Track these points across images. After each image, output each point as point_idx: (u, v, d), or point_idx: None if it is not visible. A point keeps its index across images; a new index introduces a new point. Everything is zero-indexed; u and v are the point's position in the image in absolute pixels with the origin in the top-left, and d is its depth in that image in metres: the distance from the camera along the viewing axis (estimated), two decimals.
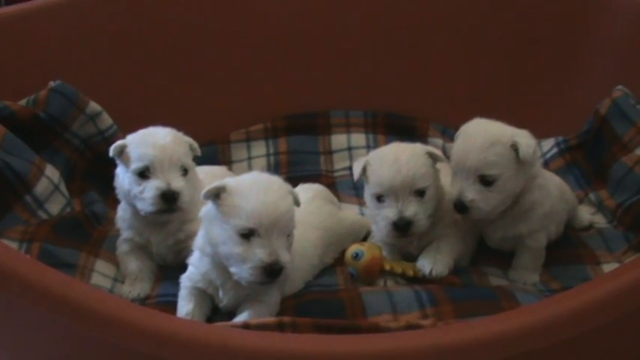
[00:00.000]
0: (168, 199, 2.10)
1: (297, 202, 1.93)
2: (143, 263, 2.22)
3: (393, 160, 2.07)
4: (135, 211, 2.20)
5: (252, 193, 1.83)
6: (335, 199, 2.45)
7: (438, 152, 2.16)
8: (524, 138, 2.06)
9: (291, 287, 2.05)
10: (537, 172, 2.15)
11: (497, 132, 2.06)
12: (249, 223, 1.81)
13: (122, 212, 2.27)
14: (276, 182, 1.90)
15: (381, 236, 2.19)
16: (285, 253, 1.83)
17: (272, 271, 1.80)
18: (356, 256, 2.11)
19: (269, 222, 1.81)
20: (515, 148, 2.04)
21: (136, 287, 2.16)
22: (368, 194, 2.14)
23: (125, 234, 2.26)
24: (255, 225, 1.80)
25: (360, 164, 2.14)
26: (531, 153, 2.05)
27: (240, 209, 1.82)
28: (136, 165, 2.12)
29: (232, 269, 1.85)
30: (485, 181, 2.04)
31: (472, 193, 2.04)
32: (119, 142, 2.16)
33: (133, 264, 2.21)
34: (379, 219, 2.10)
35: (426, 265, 2.11)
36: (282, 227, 1.83)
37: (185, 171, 2.15)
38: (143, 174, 2.11)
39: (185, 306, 1.95)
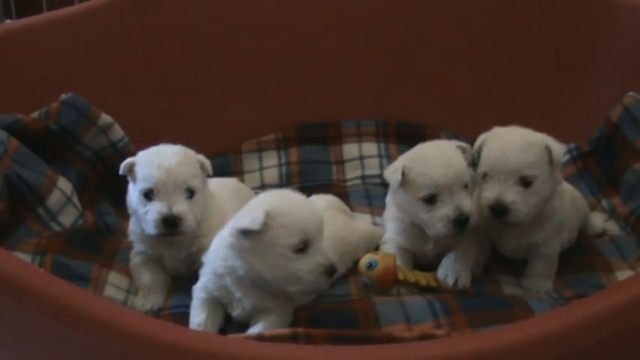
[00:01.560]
0: (169, 224, 2.09)
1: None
2: (156, 275, 2.22)
3: (440, 157, 2.07)
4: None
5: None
6: (348, 210, 2.45)
7: (465, 144, 2.17)
8: (554, 142, 2.09)
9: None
10: (560, 178, 2.16)
11: (531, 135, 2.10)
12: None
13: (133, 226, 2.27)
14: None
15: (435, 234, 2.14)
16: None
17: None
18: (370, 266, 2.10)
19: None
20: (548, 150, 2.06)
21: (149, 300, 2.16)
22: (413, 199, 2.11)
23: (137, 247, 2.26)
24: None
25: (398, 170, 2.11)
26: (562, 156, 2.09)
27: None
28: (141, 185, 2.12)
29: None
30: (525, 182, 2.04)
31: (513, 195, 2.04)
32: (129, 160, 2.16)
33: (145, 276, 2.21)
34: (435, 220, 2.07)
35: (450, 276, 2.11)
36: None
37: (191, 193, 2.14)
38: (148, 195, 2.11)
39: (197, 316, 1.95)
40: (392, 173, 2.14)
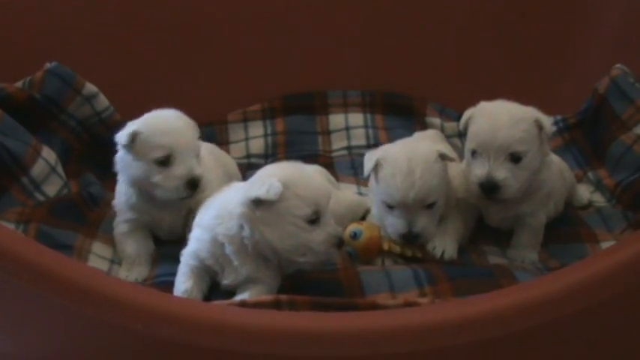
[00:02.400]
0: (193, 186, 2.08)
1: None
2: (140, 246, 2.20)
3: (406, 173, 2.02)
4: (146, 196, 2.17)
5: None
6: (333, 180, 2.44)
7: (448, 149, 2.13)
8: (543, 115, 2.08)
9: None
10: (548, 150, 2.15)
11: (520, 110, 2.08)
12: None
13: (126, 197, 2.22)
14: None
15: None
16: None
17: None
18: (354, 236, 2.10)
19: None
20: (538, 124, 2.05)
21: (133, 271, 2.14)
22: (378, 198, 2.12)
23: (125, 215, 2.22)
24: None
25: (371, 161, 2.10)
26: (551, 129, 2.08)
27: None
28: (156, 154, 2.08)
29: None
30: (515, 158, 2.03)
31: (504, 172, 2.03)
32: (133, 130, 2.09)
33: (130, 247, 2.19)
34: (388, 224, 2.09)
35: (438, 248, 2.11)
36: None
37: (197, 154, 2.14)
38: (164, 162, 2.08)
39: (184, 283, 1.94)
40: (366, 161, 2.14)
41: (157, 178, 2.08)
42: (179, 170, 2.07)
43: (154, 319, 1.42)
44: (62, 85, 2.50)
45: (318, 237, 1.83)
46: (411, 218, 2.05)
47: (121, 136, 2.10)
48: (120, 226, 2.23)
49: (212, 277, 1.98)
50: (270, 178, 1.82)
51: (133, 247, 2.19)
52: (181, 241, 2.09)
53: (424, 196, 2.03)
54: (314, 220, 1.82)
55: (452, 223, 2.16)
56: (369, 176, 2.14)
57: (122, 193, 2.24)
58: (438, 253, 2.10)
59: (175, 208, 2.20)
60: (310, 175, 1.87)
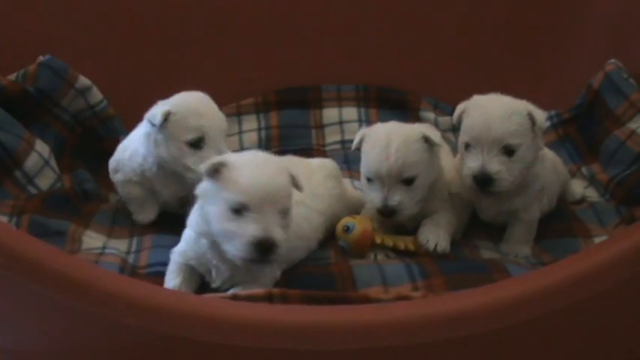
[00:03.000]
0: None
1: (296, 185, 1.87)
2: (144, 189, 2.23)
3: (384, 145, 2.05)
4: (163, 173, 2.18)
5: (248, 167, 1.80)
6: (340, 175, 2.42)
7: (436, 135, 2.11)
8: (536, 109, 2.08)
9: (287, 264, 2.02)
10: (542, 144, 2.15)
11: (512, 103, 2.08)
12: (241, 198, 1.77)
13: (138, 164, 2.21)
14: (273, 160, 1.87)
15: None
16: (278, 230, 1.77)
17: (264, 248, 1.76)
18: (347, 230, 2.09)
19: (261, 196, 1.77)
20: (531, 117, 2.05)
21: (146, 212, 2.21)
22: (361, 171, 2.14)
23: (127, 176, 2.25)
24: (246, 199, 1.77)
25: (358, 136, 2.14)
26: (544, 122, 2.08)
27: (233, 183, 1.78)
28: (189, 136, 2.08)
29: (225, 247, 1.80)
30: (509, 150, 2.03)
31: (497, 165, 2.02)
32: (166, 109, 2.07)
33: (135, 190, 2.22)
34: (368, 199, 2.11)
35: (431, 241, 2.10)
36: (275, 203, 1.79)
37: None
38: (195, 144, 2.08)
39: (172, 280, 1.92)
40: (356, 137, 2.17)
41: (189, 160, 2.09)
42: (211, 153, 2.05)
43: (146, 311, 1.41)
44: (56, 79, 2.50)
45: (237, 230, 1.78)
46: (387, 193, 2.05)
47: (154, 116, 2.09)
48: (119, 177, 2.27)
49: (201, 278, 1.96)
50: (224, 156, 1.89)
51: (139, 190, 2.22)
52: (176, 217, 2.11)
53: (399, 169, 2.03)
54: (238, 210, 1.78)
55: (444, 216, 2.16)
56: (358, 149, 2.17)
57: (134, 160, 2.23)
58: (430, 246, 2.09)
59: (179, 184, 2.20)
60: (258, 165, 1.83)
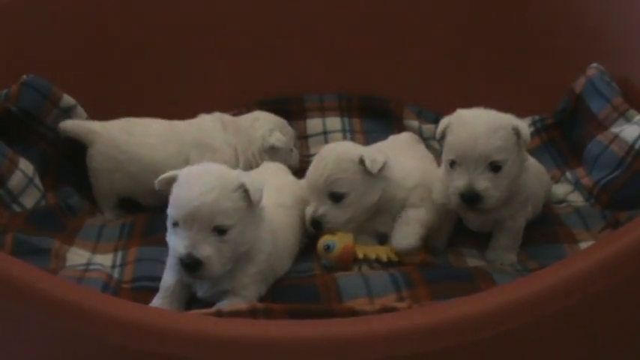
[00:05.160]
0: None
1: (252, 198, 1.84)
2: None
3: (319, 159, 2.14)
4: None
5: (184, 183, 1.82)
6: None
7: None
8: (520, 122, 2.07)
9: (274, 276, 2.03)
10: (526, 155, 2.15)
11: (497, 117, 2.06)
12: (173, 213, 1.81)
13: None
14: (215, 176, 1.83)
15: None
16: (206, 248, 1.77)
17: (187, 265, 1.77)
18: (327, 248, 2.08)
19: (187, 214, 1.78)
20: (516, 131, 2.04)
21: None
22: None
23: None
24: (176, 216, 1.80)
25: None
26: (529, 136, 2.07)
27: (171, 199, 1.82)
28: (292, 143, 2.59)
29: None
30: (495, 167, 2.01)
31: (485, 182, 2.01)
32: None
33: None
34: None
35: (398, 239, 2.11)
36: (205, 221, 1.77)
37: None
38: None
39: (158, 296, 1.93)
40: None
41: (292, 160, 2.65)
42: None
43: (128, 330, 1.41)
44: (39, 98, 2.48)
45: (171, 244, 1.82)
46: (317, 207, 2.11)
47: (279, 140, 2.58)
48: None
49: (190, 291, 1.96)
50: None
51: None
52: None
53: (323, 183, 2.08)
54: (174, 225, 1.81)
55: (413, 212, 2.16)
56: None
57: None
58: (401, 245, 2.10)
59: None
60: (193, 181, 1.82)
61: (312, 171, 2.13)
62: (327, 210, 2.10)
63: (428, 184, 2.21)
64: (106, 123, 2.48)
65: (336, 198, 2.09)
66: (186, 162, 2.40)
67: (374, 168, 2.08)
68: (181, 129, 2.52)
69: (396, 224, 2.15)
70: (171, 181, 1.85)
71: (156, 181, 1.89)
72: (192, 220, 1.77)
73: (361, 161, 2.09)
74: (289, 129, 2.70)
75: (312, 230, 2.14)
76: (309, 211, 2.12)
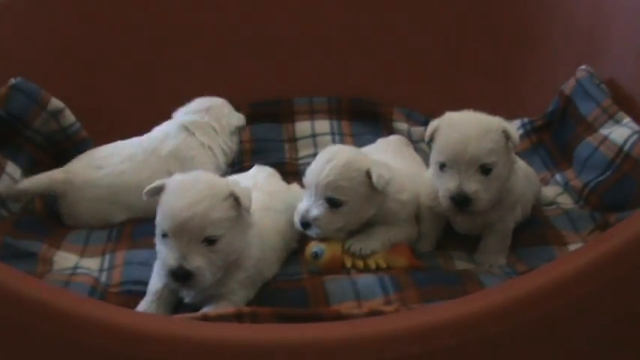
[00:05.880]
0: None
1: (243, 206, 1.84)
2: None
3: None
4: None
5: (173, 194, 1.80)
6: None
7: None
8: (509, 125, 2.07)
9: (262, 280, 2.01)
10: (515, 158, 2.15)
11: (487, 120, 2.05)
12: (162, 225, 1.79)
13: None
14: (205, 185, 1.81)
15: None
16: (196, 259, 1.76)
17: (177, 277, 1.76)
18: (316, 255, 2.06)
19: (176, 226, 1.76)
20: (506, 134, 2.04)
21: None
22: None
23: None
24: (165, 227, 1.78)
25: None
26: (518, 138, 2.06)
27: (160, 209, 1.81)
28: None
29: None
30: (485, 169, 2.01)
31: (475, 185, 2.00)
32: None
33: None
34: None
35: (355, 245, 2.10)
36: (194, 232, 1.76)
37: None
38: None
39: (145, 301, 1.92)
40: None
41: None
42: None
43: (113, 334, 1.40)
44: (27, 101, 2.47)
45: (161, 255, 1.82)
46: (310, 207, 2.06)
47: (240, 119, 2.63)
48: None
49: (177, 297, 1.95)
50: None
51: None
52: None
53: (325, 186, 2.04)
54: (164, 235, 1.80)
55: (379, 228, 2.15)
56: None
57: None
58: (355, 250, 2.09)
59: None
60: (182, 191, 1.80)
61: (315, 170, 2.07)
62: (321, 214, 2.05)
63: (417, 194, 2.21)
64: (68, 167, 2.41)
65: (333, 204, 2.04)
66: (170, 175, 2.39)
67: (379, 184, 2.04)
68: (151, 145, 2.47)
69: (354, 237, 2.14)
70: (159, 190, 1.84)
71: (143, 192, 1.87)
72: (181, 231, 1.76)
73: (368, 174, 2.05)
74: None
75: (300, 229, 2.09)
76: (302, 207, 2.07)
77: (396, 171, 2.16)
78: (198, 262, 1.76)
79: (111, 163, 2.40)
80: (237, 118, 2.62)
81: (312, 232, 2.07)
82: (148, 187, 1.87)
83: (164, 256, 1.79)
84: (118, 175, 2.38)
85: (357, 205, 2.07)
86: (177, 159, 2.45)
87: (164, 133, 2.51)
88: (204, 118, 2.56)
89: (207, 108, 2.60)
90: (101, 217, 2.38)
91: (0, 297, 1.43)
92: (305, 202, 2.08)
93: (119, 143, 2.49)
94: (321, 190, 2.04)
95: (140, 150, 2.45)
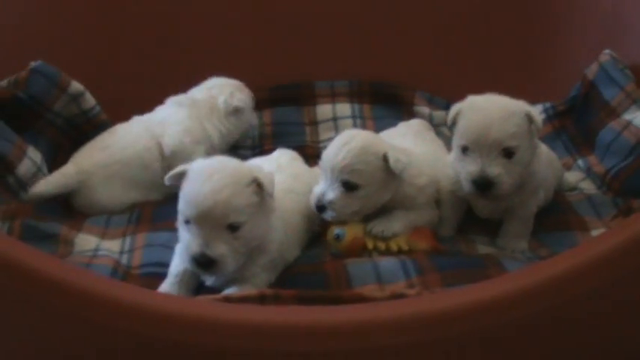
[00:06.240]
0: None
1: (266, 191, 1.83)
2: None
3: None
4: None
5: (196, 180, 1.79)
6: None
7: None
8: (533, 109, 2.05)
9: (284, 263, 2.01)
10: (538, 142, 2.13)
11: (510, 104, 2.04)
12: (185, 212, 1.78)
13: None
14: (228, 172, 1.81)
15: None
16: (220, 246, 1.76)
17: (201, 264, 1.76)
18: (337, 237, 2.06)
19: (199, 213, 1.76)
20: (529, 118, 2.02)
21: None
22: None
23: None
24: (188, 214, 1.77)
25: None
26: (542, 122, 2.05)
27: (182, 196, 1.80)
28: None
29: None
30: (508, 153, 2.00)
31: (497, 168, 1.99)
32: (241, 99, 2.62)
33: None
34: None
35: (377, 227, 2.09)
36: (218, 219, 1.76)
37: None
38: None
39: (167, 281, 1.92)
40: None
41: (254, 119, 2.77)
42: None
43: (134, 315, 1.41)
44: (47, 84, 2.48)
45: (184, 241, 1.81)
46: (325, 190, 2.05)
47: (241, 100, 2.61)
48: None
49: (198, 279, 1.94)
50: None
51: None
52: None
53: (341, 169, 2.03)
54: (187, 222, 1.79)
55: (400, 210, 2.14)
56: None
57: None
58: (384, 233, 2.09)
59: None
60: (205, 178, 1.78)
61: (331, 153, 2.06)
62: (336, 197, 2.04)
63: (436, 178, 2.20)
64: (74, 158, 2.43)
65: (349, 187, 2.03)
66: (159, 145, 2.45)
67: (397, 168, 2.03)
68: (146, 118, 2.52)
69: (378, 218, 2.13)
70: (181, 176, 1.83)
71: (166, 178, 1.87)
72: (204, 218, 1.75)
73: (385, 158, 2.05)
74: (246, 89, 2.69)
75: (316, 212, 2.08)
76: (317, 190, 2.06)
77: (413, 155, 2.15)
78: (221, 249, 1.76)
79: (113, 141, 2.44)
80: (239, 100, 2.61)
81: (327, 216, 2.06)
82: (170, 173, 1.86)
83: (187, 242, 1.79)
84: (120, 150, 2.41)
85: (373, 190, 2.06)
86: (164, 127, 2.48)
87: (159, 112, 2.56)
88: (202, 95, 2.59)
89: (210, 87, 2.63)
90: (117, 199, 2.39)
91: (22, 276, 1.43)
92: (321, 186, 2.08)
93: (124, 123, 2.54)
94: (337, 174, 2.03)
95: (136, 124, 2.51)
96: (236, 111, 2.59)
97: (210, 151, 2.48)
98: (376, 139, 2.11)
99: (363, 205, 2.07)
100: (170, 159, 2.41)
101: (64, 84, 2.51)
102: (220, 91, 2.61)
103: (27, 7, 2.68)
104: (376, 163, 2.04)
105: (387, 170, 2.05)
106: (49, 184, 2.32)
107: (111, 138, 2.45)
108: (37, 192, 2.28)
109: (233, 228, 1.78)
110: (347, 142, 2.05)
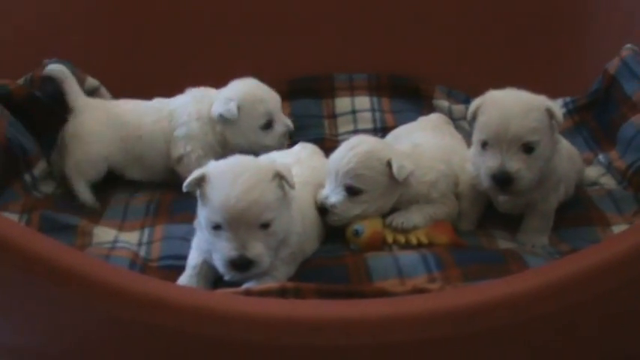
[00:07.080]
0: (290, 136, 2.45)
1: (289, 183, 1.83)
2: None
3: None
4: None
5: (221, 185, 1.77)
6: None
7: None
8: (553, 103, 2.04)
9: (303, 256, 2.01)
10: (559, 137, 2.12)
11: (531, 98, 2.03)
12: (215, 217, 1.76)
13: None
14: (252, 170, 1.80)
15: None
16: (256, 246, 1.76)
17: (239, 266, 1.76)
18: (356, 233, 2.05)
19: (232, 216, 1.75)
20: (549, 113, 2.01)
21: None
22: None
23: None
24: (219, 219, 1.76)
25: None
26: (562, 117, 2.04)
27: (209, 201, 1.78)
28: (262, 121, 2.38)
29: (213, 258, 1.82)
30: (528, 148, 1.99)
31: (517, 164, 1.98)
32: (235, 104, 2.35)
33: None
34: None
35: (397, 219, 2.09)
36: (251, 219, 1.75)
37: None
38: (268, 125, 2.39)
39: (186, 274, 1.91)
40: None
41: (266, 140, 2.38)
42: (280, 127, 2.41)
43: (157, 308, 1.40)
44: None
45: (215, 246, 1.79)
46: (329, 194, 2.07)
47: (228, 111, 2.33)
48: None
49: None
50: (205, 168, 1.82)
51: None
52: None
53: (345, 173, 2.04)
54: (216, 227, 1.77)
55: (417, 205, 2.14)
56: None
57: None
58: (405, 225, 2.09)
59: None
60: (231, 180, 1.76)
61: (337, 157, 2.08)
62: (338, 201, 2.05)
63: (452, 172, 2.19)
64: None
65: (352, 192, 2.05)
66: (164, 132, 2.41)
67: (400, 175, 2.03)
68: (159, 104, 2.48)
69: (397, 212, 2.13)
70: (200, 181, 1.82)
71: (184, 184, 1.83)
72: (238, 221, 1.75)
73: (389, 164, 2.05)
74: (269, 105, 2.41)
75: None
76: (322, 194, 2.07)
77: (424, 152, 2.17)
78: (258, 248, 1.76)
79: (123, 102, 2.48)
80: (226, 110, 2.35)
81: (329, 220, 2.08)
82: (188, 180, 1.83)
83: (220, 247, 1.77)
84: (126, 111, 2.43)
85: (376, 195, 2.07)
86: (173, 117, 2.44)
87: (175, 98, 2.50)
88: (214, 93, 2.50)
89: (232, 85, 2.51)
90: (100, 150, 2.37)
91: (41, 268, 1.42)
92: (325, 189, 2.09)
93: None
94: (341, 178, 2.05)
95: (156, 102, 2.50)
96: (223, 120, 2.37)
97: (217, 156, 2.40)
98: (383, 146, 2.12)
99: (364, 210, 2.07)
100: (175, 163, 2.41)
101: (79, 80, 2.50)
102: (228, 93, 2.46)
103: (40, 6, 2.68)
104: (380, 169, 2.05)
105: (391, 176, 2.05)
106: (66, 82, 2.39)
107: (122, 103, 2.47)
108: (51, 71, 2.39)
109: (265, 225, 1.78)
110: (353, 146, 2.07)
